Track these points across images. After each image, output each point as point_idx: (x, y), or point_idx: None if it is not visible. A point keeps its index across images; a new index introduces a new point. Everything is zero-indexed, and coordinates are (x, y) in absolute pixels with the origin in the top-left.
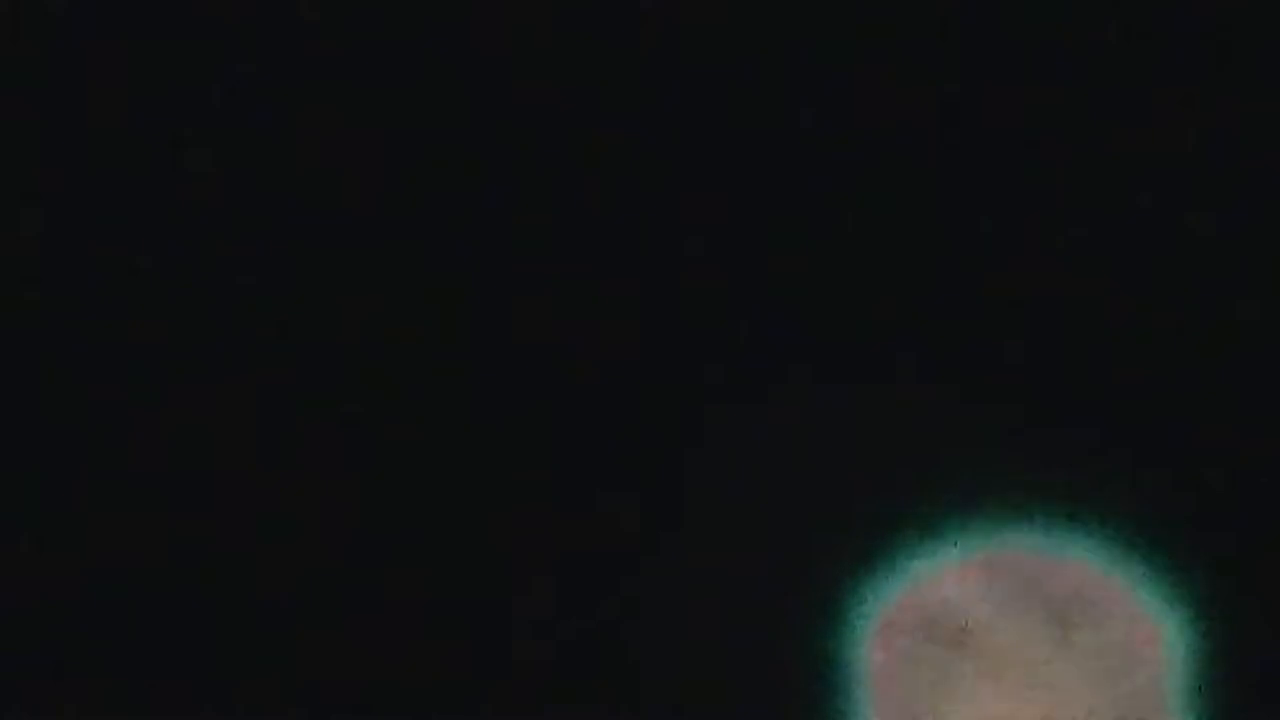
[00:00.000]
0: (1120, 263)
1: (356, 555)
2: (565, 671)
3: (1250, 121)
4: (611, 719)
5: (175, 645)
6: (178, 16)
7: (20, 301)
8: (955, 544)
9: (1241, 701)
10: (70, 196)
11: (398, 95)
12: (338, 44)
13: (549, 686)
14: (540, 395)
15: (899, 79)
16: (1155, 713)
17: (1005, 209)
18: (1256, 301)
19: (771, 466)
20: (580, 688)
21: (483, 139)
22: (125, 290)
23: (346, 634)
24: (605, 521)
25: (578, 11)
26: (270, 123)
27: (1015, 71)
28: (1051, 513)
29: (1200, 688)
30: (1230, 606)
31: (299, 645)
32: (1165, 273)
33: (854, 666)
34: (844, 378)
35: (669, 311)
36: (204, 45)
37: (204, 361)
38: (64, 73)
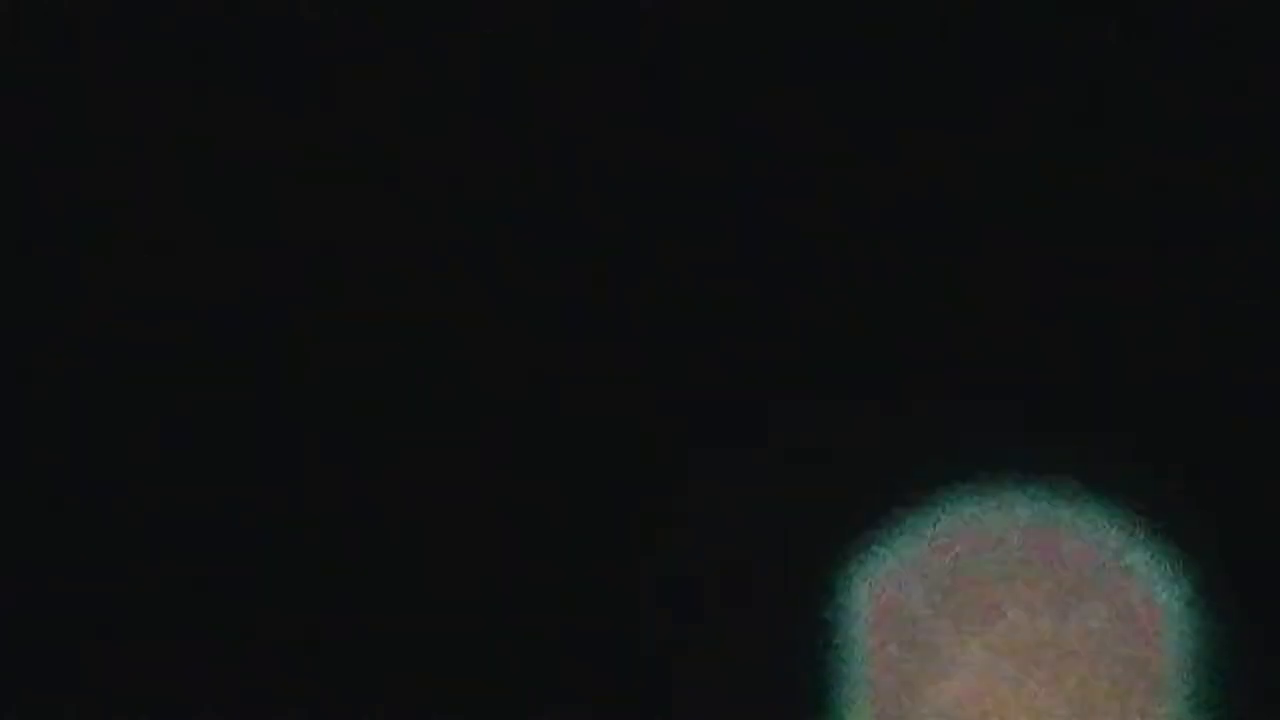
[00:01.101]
0: (1119, 256)
1: (362, 559)
2: (564, 665)
3: (1250, 121)
4: (609, 715)
5: (176, 645)
6: (177, 17)
7: (20, 302)
8: (955, 527)
9: (1239, 682)
10: (69, 196)
11: (397, 96)
12: (338, 44)
13: (549, 682)
14: (544, 395)
15: (899, 84)
16: (1155, 693)
17: (1006, 202)
18: (1258, 301)
19: (769, 453)
20: (580, 684)
21: (487, 147)
22: (125, 288)
23: (349, 637)
24: (605, 518)
25: (577, 11)
26: (270, 122)
27: (1014, 73)
28: (1052, 495)
29: (1199, 669)
30: (1230, 590)
31: (299, 646)
32: (1166, 269)
33: (853, 649)
34: (844, 365)
35: (667, 307)
36: (204, 45)
37: (208, 366)
38: (64, 73)
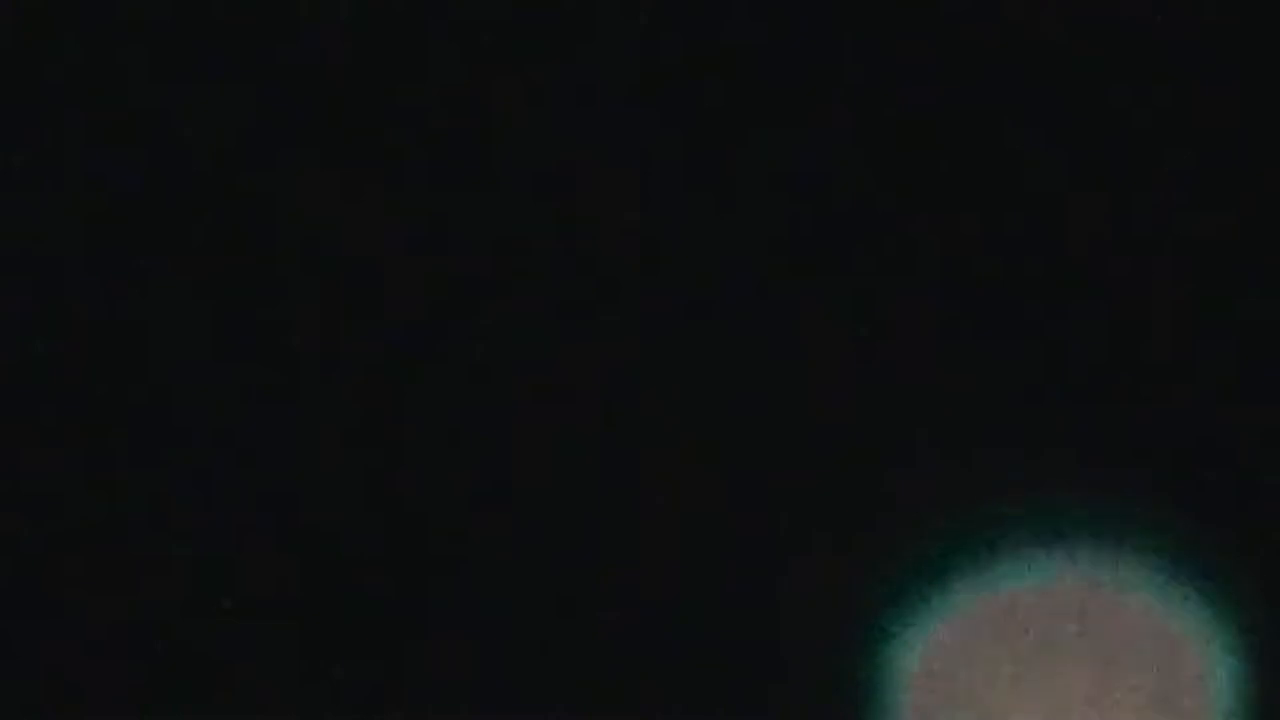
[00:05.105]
0: (1163, 289)
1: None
2: (613, 670)
3: (1250, 122)
4: None
5: (183, 647)
6: (177, 17)
7: (20, 302)
8: (1002, 571)
9: None
10: (66, 195)
11: (397, 100)
12: (337, 44)
13: (598, 682)
14: (579, 400)
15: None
16: None
17: (1039, 228)
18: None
19: (822, 485)
20: (629, 689)
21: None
22: (125, 289)
23: (355, 639)
24: (656, 529)
25: (578, 11)
26: (269, 124)
27: (1013, 73)
28: (1097, 541)
29: (1240, 709)
30: (1273, 634)
31: (300, 649)
32: (1199, 290)
33: (897, 685)
34: (897, 405)
35: (707, 317)
36: (203, 45)
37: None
38: (63, 72)
